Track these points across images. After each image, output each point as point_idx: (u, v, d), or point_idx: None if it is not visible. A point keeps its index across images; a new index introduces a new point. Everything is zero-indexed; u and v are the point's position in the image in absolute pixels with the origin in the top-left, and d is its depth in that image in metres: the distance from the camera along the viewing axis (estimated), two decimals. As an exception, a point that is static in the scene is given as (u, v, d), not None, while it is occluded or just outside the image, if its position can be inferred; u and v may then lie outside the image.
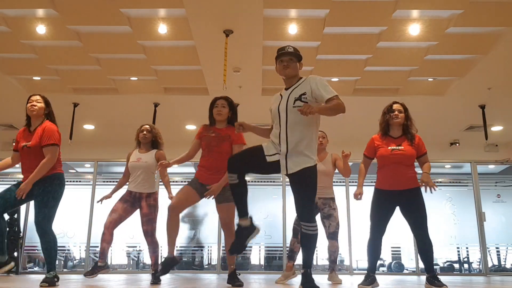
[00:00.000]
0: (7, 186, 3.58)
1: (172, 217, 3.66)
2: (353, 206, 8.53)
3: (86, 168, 9.52)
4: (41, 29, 5.28)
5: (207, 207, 3.64)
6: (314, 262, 8.93)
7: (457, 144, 8.78)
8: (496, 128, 8.09)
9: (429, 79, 6.50)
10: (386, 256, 9.10)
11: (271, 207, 8.74)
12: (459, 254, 9.00)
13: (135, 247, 8.85)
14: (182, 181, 8.70)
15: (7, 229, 7.52)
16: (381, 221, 3.63)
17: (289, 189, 3.09)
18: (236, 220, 3.06)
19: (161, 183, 4.65)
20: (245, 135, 3.73)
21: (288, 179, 2.97)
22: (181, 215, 3.80)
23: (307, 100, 2.88)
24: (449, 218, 8.80)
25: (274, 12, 5.03)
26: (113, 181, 8.97)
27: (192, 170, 8.58)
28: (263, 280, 5.47)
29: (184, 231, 8.45)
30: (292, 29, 5.26)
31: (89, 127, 8.29)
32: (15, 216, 7.74)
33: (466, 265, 8.96)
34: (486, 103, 7.04)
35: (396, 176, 3.58)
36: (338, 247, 4.78)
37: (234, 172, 2.84)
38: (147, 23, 5.24)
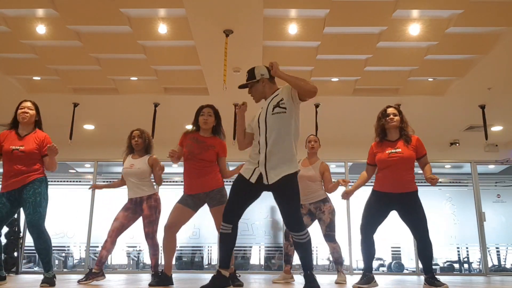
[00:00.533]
0: None
1: (168, 237, 3.70)
2: (353, 206, 8.52)
3: (86, 168, 9.52)
4: (41, 29, 5.27)
5: (207, 207, 3.65)
6: (314, 263, 8.93)
7: (457, 144, 8.78)
8: (496, 128, 8.08)
9: (429, 79, 6.50)
10: (386, 256, 9.10)
11: (271, 207, 8.74)
12: (459, 254, 9.00)
13: (135, 247, 8.85)
14: (182, 181, 8.70)
15: (7, 229, 7.55)
16: (372, 222, 3.64)
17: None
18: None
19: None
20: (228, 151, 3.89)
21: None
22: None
23: (285, 106, 2.93)
24: (449, 218, 8.80)
25: (274, 12, 5.03)
26: (113, 181, 8.98)
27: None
28: (263, 280, 5.47)
29: (184, 231, 8.46)
30: (292, 29, 5.26)
31: (89, 127, 8.28)
32: (15, 216, 7.74)
33: (466, 265, 8.96)
34: (486, 103, 7.03)
35: (394, 179, 3.58)
36: (336, 248, 4.74)
37: (230, 223, 2.93)
38: (147, 23, 5.23)
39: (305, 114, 7.24)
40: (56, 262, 8.65)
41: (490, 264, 8.57)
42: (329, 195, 4.90)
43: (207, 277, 6.34)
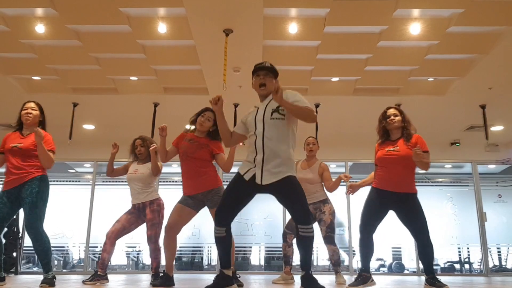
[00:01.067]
0: None
1: (169, 237, 3.70)
2: (353, 206, 8.51)
3: (86, 168, 9.50)
4: (40, 28, 5.26)
5: (206, 208, 3.65)
6: (314, 263, 8.91)
7: (458, 144, 8.76)
8: (497, 128, 8.06)
9: (429, 79, 6.48)
10: (386, 256, 9.08)
11: (271, 207, 8.73)
12: (460, 255, 8.98)
13: (135, 247, 8.84)
14: (181, 181, 8.67)
15: (6, 229, 7.53)
16: (371, 220, 3.61)
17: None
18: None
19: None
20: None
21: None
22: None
23: (284, 113, 2.90)
24: (450, 218, 8.78)
25: (274, 11, 5.01)
26: (113, 181, 8.95)
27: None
28: (263, 280, 5.45)
29: (184, 231, 8.44)
30: (292, 28, 5.24)
31: (88, 127, 8.27)
32: (14, 216, 7.73)
33: (467, 266, 8.93)
34: (486, 103, 7.02)
35: (392, 177, 3.56)
36: (336, 250, 4.69)
37: (222, 226, 2.90)
38: (146, 22, 5.22)
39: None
40: (55, 262, 8.63)
41: (491, 265, 8.55)
42: (329, 195, 4.88)
43: (207, 277, 6.32)
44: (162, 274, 3.84)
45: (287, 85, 6.48)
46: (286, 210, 8.11)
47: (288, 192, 2.85)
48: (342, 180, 4.71)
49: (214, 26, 5.09)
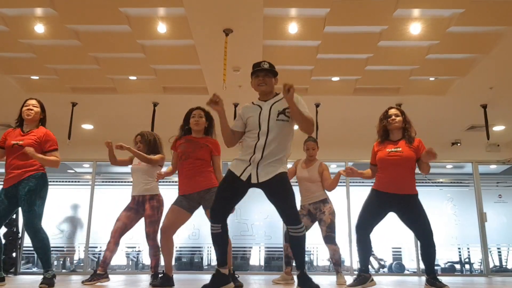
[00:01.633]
0: None
1: (165, 239, 3.70)
2: (353, 206, 8.49)
3: (85, 168, 9.48)
4: (39, 28, 5.24)
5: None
6: (314, 263, 8.90)
7: (459, 144, 8.74)
8: (498, 128, 8.05)
9: (430, 79, 6.46)
10: (387, 256, 9.06)
11: (271, 208, 8.68)
12: (460, 255, 8.96)
13: (134, 247, 8.82)
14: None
15: (6, 229, 7.52)
16: (368, 221, 3.59)
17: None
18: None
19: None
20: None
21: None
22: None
23: (289, 116, 2.96)
24: (450, 218, 8.77)
25: (274, 11, 4.99)
26: (112, 181, 8.94)
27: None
28: (262, 281, 5.43)
29: (183, 231, 8.43)
30: (292, 28, 5.23)
31: (87, 126, 8.25)
32: (14, 216, 7.71)
33: (467, 266, 8.92)
34: (487, 103, 7.00)
35: (393, 179, 3.54)
36: (336, 249, 4.70)
37: (218, 223, 2.92)
38: (146, 22, 5.20)
39: (306, 114, 7.24)
40: (55, 263, 8.61)
41: (491, 265, 8.54)
42: (328, 194, 4.86)
43: (207, 277, 6.30)
44: (161, 275, 3.83)
45: (287, 85, 6.50)
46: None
47: (278, 188, 2.89)
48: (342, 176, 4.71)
49: (214, 26, 5.07)
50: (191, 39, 5.39)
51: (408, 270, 8.79)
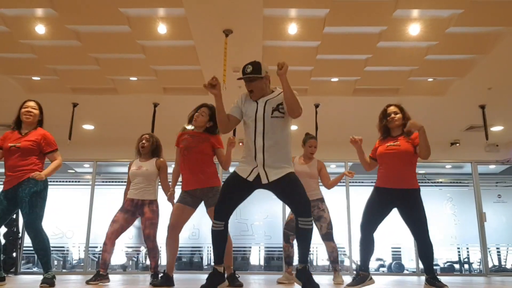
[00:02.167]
0: None
1: (172, 236, 3.72)
2: (353, 206, 8.51)
3: (85, 168, 9.49)
4: (40, 28, 5.25)
5: (204, 208, 3.70)
6: (314, 263, 8.91)
7: (458, 144, 8.76)
8: (497, 128, 8.07)
9: (429, 79, 6.48)
10: (386, 256, 9.08)
11: (271, 208, 8.73)
12: (459, 255, 8.98)
13: (134, 247, 8.83)
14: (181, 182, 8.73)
15: (6, 229, 7.53)
16: (373, 220, 3.60)
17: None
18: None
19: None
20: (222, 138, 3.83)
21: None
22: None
23: (284, 111, 2.97)
24: (449, 218, 8.78)
25: (274, 11, 5.01)
26: (112, 182, 8.96)
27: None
28: (262, 280, 5.45)
29: (183, 231, 8.44)
30: (292, 28, 5.24)
31: (88, 127, 8.26)
32: (14, 216, 7.72)
33: (466, 266, 8.94)
34: (486, 103, 7.02)
35: (392, 173, 3.56)
36: (335, 247, 4.76)
37: (222, 221, 2.93)
38: (146, 22, 5.21)
39: (305, 114, 7.23)
40: (55, 262, 8.62)
41: (490, 265, 8.55)
42: (328, 195, 4.91)
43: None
44: (162, 274, 3.85)
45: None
46: (286, 210, 8.13)
47: (290, 188, 2.90)
48: (345, 176, 4.80)
49: (213, 26, 5.08)
50: (191, 39, 5.40)
51: (407, 270, 8.81)
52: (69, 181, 9.07)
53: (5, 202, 3.56)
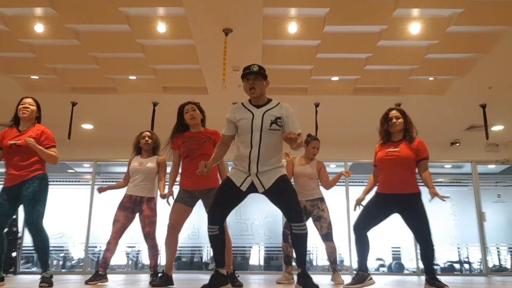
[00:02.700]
0: None
1: (172, 236, 3.72)
2: (352, 206, 8.47)
3: (85, 168, 9.48)
4: (39, 28, 5.24)
5: (204, 208, 3.70)
6: (314, 263, 8.90)
7: (458, 144, 8.75)
8: (497, 128, 8.05)
9: (429, 78, 6.47)
10: (386, 256, 9.07)
11: (271, 207, 8.69)
12: (459, 255, 8.97)
13: (134, 247, 8.82)
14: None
15: (6, 228, 7.51)
16: (366, 220, 3.61)
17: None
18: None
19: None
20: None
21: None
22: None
23: (282, 124, 2.97)
24: (449, 218, 8.77)
25: (274, 10, 5.00)
26: (112, 181, 8.92)
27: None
28: (262, 280, 5.43)
29: (183, 230, 8.42)
30: (292, 27, 5.23)
31: (87, 126, 8.25)
32: (14, 216, 7.71)
33: (466, 265, 8.93)
34: (487, 103, 7.00)
35: (392, 179, 3.54)
36: (335, 247, 4.76)
37: (216, 225, 2.96)
38: (146, 22, 5.20)
39: (305, 114, 7.24)
40: (55, 262, 8.61)
41: (490, 264, 8.54)
42: (328, 194, 4.89)
43: (206, 277, 6.30)
44: (161, 274, 3.84)
45: (287, 84, 6.53)
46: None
47: (282, 190, 2.94)
48: (343, 176, 4.79)
49: (213, 25, 5.07)
50: (190, 38, 5.39)
51: (407, 270, 8.80)
52: (69, 181, 9.06)
53: (10, 200, 3.56)
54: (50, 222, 8.19)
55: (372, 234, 3.67)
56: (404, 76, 6.33)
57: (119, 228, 4.33)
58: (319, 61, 5.95)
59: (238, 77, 6.10)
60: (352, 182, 8.70)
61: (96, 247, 8.47)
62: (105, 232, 4.34)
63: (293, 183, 4.38)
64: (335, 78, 6.50)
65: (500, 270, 8.67)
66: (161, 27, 5.23)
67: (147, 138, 4.60)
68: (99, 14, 5.08)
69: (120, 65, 6.17)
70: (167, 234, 3.72)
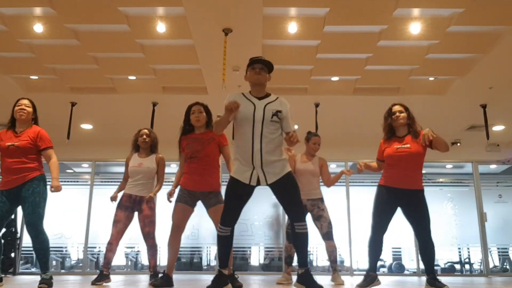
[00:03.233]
0: None
1: (175, 236, 3.72)
2: (353, 206, 8.48)
3: (84, 168, 9.47)
4: (38, 27, 5.22)
5: (204, 208, 3.68)
6: (314, 263, 8.89)
7: (458, 144, 8.73)
8: (498, 128, 8.04)
9: (430, 78, 6.45)
10: (386, 257, 9.05)
11: (271, 208, 8.70)
12: (460, 255, 8.96)
13: (133, 248, 8.80)
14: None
15: (4, 229, 7.50)
16: (383, 218, 3.60)
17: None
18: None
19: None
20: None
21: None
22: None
23: (281, 116, 3.04)
24: (450, 218, 8.76)
25: (274, 10, 4.98)
26: (111, 181, 8.92)
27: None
28: (262, 281, 5.42)
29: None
30: (292, 27, 5.21)
31: (86, 126, 8.23)
32: (12, 216, 7.69)
33: (467, 266, 8.91)
34: (487, 103, 6.99)
35: (401, 175, 3.56)
36: (335, 246, 4.77)
37: (229, 226, 3.01)
38: (145, 21, 5.19)
39: (305, 114, 7.23)
40: (54, 263, 8.59)
41: (491, 265, 8.53)
42: (328, 194, 4.89)
43: (206, 278, 6.29)
44: (162, 275, 3.82)
45: (287, 84, 6.51)
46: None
47: (288, 188, 2.99)
48: (344, 175, 4.80)
49: (213, 25, 5.06)
50: (190, 38, 5.38)
51: (408, 270, 8.78)
52: (68, 181, 9.05)
53: (8, 202, 3.56)
54: (49, 223, 8.21)
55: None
56: (405, 76, 6.32)
57: (121, 228, 4.34)
58: (319, 61, 5.94)
59: (238, 77, 6.12)
60: (353, 182, 8.69)
61: (95, 247, 8.46)
62: (104, 233, 4.33)
63: None
64: (335, 78, 6.49)
65: (501, 271, 8.64)
66: (161, 27, 5.22)
67: (145, 136, 4.59)
68: (98, 14, 5.06)
69: (119, 65, 6.16)
70: (171, 234, 3.72)
